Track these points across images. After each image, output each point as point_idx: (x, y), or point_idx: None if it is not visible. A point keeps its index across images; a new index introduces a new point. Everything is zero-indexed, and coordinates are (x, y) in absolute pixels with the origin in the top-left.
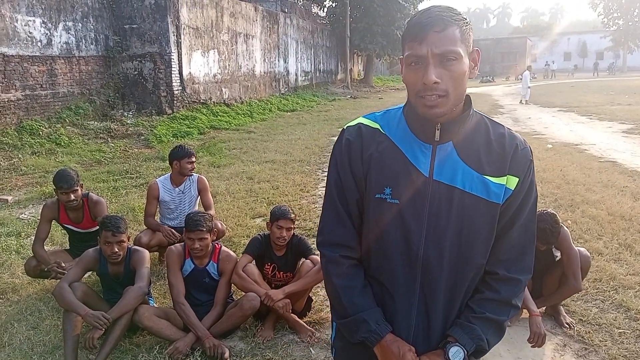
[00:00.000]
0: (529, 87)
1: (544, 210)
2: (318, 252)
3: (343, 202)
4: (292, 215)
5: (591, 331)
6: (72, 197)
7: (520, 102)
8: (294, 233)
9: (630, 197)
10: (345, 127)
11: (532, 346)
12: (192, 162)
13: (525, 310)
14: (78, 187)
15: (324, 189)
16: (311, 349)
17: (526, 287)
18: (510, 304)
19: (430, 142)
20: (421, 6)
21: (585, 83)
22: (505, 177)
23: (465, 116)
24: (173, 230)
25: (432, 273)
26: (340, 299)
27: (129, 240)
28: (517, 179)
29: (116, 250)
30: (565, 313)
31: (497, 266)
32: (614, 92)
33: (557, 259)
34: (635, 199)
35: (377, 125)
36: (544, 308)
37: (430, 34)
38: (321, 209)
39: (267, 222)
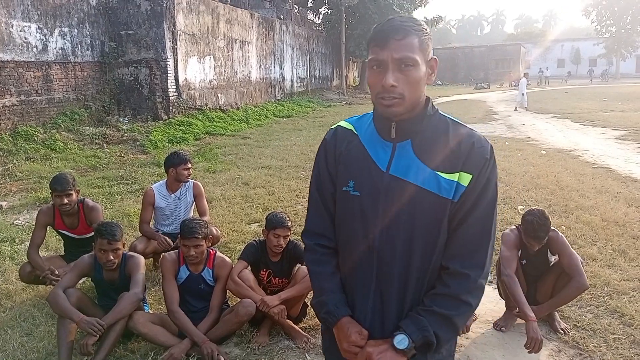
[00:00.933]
0: (523, 94)
1: (533, 207)
2: None
3: (321, 196)
4: (289, 223)
5: (586, 337)
6: (66, 200)
7: (515, 109)
8: (289, 239)
9: (624, 203)
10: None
11: (528, 352)
12: (188, 168)
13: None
14: (73, 192)
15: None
16: (307, 355)
17: (521, 293)
18: (460, 299)
19: (391, 140)
20: (415, 14)
21: (579, 90)
22: (458, 174)
23: (420, 116)
24: (167, 238)
25: (386, 262)
26: (313, 282)
27: (124, 247)
28: (471, 176)
29: (111, 258)
30: (560, 319)
31: (450, 261)
32: (607, 99)
33: (552, 264)
34: (629, 204)
35: (351, 127)
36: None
37: (391, 41)
38: None
39: (263, 229)
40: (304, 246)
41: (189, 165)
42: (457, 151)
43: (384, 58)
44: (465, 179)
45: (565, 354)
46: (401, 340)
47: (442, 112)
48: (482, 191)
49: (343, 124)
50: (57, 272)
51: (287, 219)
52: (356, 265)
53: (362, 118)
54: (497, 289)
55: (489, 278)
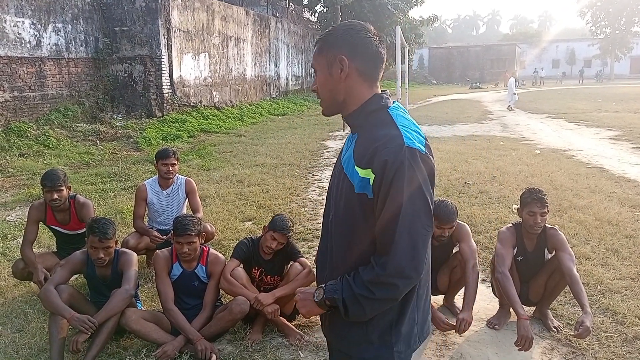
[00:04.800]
0: (514, 94)
1: None
2: (306, 256)
3: None
4: (290, 233)
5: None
6: (56, 196)
7: (508, 108)
8: None
9: (617, 202)
10: None
11: (519, 349)
12: (167, 164)
13: (513, 314)
14: (64, 187)
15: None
16: (300, 352)
17: (514, 291)
18: (363, 284)
19: (352, 133)
20: (411, 13)
21: (574, 90)
22: (366, 170)
23: (356, 114)
24: (159, 234)
25: (336, 244)
26: None
27: (116, 244)
28: (374, 176)
29: (102, 255)
30: (553, 317)
31: (374, 251)
32: (601, 100)
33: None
34: (622, 204)
35: None
36: (532, 312)
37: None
38: (312, 212)
39: (264, 226)
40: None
41: (168, 161)
42: (369, 149)
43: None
44: (371, 178)
45: (558, 351)
46: (318, 294)
47: (390, 109)
48: (386, 193)
49: None
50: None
51: (291, 227)
52: (321, 245)
53: None
54: (490, 287)
55: (482, 276)
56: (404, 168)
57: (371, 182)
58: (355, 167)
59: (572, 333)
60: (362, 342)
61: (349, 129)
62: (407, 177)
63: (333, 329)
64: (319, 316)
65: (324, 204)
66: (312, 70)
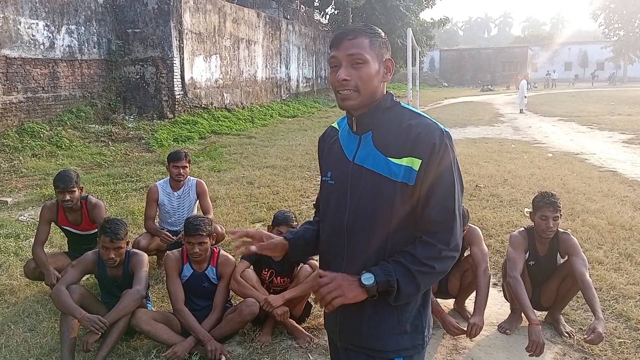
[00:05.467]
0: (525, 97)
1: None
2: (316, 258)
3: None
4: (295, 223)
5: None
6: (68, 197)
7: (520, 111)
8: None
9: (631, 206)
10: None
11: (529, 355)
12: (178, 166)
13: (525, 318)
14: (76, 188)
15: None
16: (309, 354)
17: (525, 296)
18: (421, 261)
19: (357, 133)
20: (422, 15)
21: (586, 93)
22: (407, 159)
23: (377, 110)
24: (169, 234)
25: (355, 238)
26: None
27: (127, 245)
28: (420, 160)
29: (112, 256)
30: (565, 322)
31: (420, 234)
32: (614, 103)
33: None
34: (636, 208)
35: (336, 126)
36: (544, 317)
37: (343, 41)
38: None
39: (268, 225)
40: None
41: (179, 164)
42: (406, 137)
43: (337, 55)
44: (416, 163)
45: (570, 357)
46: (368, 277)
47: (403, 105)
48: (438, 175)
49: (333, 124)
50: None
51: (294, 218)
52: (332, 242)
53: (344, 118)
54: (502, 291)
55: (494, 280)
56: (449, 150)
57: (417, 168)
58: (389, 159)
59: (583, 337)
60: (397, 332)
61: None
62: (452, 158)
63: (356, 326)
64: (323, 318)
65: (322, 211)
66: (350, 58)
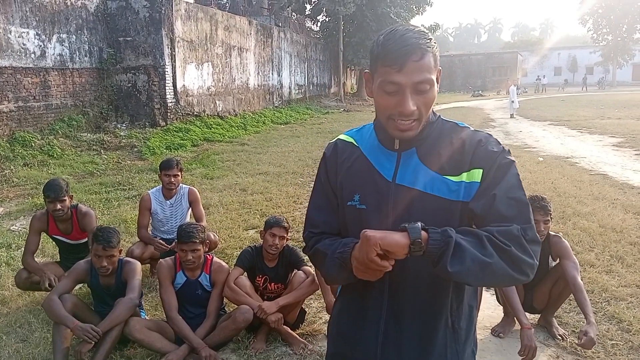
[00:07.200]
0: (512, 101)
1: None
2: (310, 264)
3: (327, 203)
4: (286, 224)
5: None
6: (59, 206)
7: (511, 116)
8: (286, 244)
9: (621, 209)
10: (327, 144)
11: (522, 359)
12: (169, 175)
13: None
14: (66, 197)
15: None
16: None
17: (517, 299)
18: (494, 235)
19: (395, 150)
20: (412, 22)
21: (576, 97)
22: (465, 174)
23: (424, 127)
24: (163, 242)
25: (400, 274)
26: (322, 255)
27: (120, 254)
28: (482, 170)
29: (105, 264)
30: (558, 325)
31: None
32: (604, 107)
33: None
34: (626, 211)
35: (351, 140)
36: (537, 320)
37: (408, 63)
38: None
39: (260, 231)
40: (303, 248)
41: (170, 172)
42: (462, 152)
43: (402, 81)
44: (477, 175)
45: (564, 359)
46: (415, 226)
47: (444, 118)
48: (498, 172)
49: (343, 137)
50: (56, 280)
51: (285, 220)
52: (366, 285)
53: (361, 129)
54: (495, 295)
55: None
56: (505, 154)
57: (478, 179)
58: (447, 177)
59: (576, 342)
60: (471, 353)
61: None
62: (509, 160)
63: (416, 346)
64: (336, 339)
65: None
66: (417, 86)
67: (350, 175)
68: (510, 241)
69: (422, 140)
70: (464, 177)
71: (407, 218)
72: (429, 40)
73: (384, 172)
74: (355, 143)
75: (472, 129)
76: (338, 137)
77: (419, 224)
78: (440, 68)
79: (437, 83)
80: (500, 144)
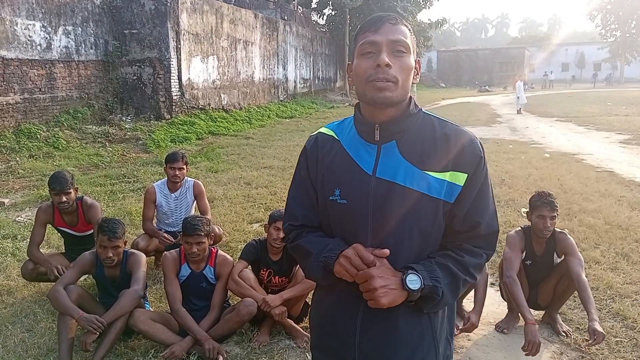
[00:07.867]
0: (517, 97)
1: None
2: None
3: (305, 195)
4: None
5: (588, 339)
6: (64, 199)
7: (518, 111)
8: None
9: (628, 206)
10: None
11: (526, 354)
12: (174, 168)
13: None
14: (71, 190)
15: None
16: (307, 354)
17: (522, 296)
18: (469, 270)
19: (375, 142)
20: (419, 16)
21: (583, 94)
22: (449, 173)
23: (404, 115)
24: (168, 235)
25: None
26: (305, 250)
27: (125, 245)
28: (466, 175)
29: (110, 255)
30: (562, 321)
31: (463, 242)
32: (611, 103)
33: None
34: (632, 208)
35: (332, 133)
36: (541, 316)
37: (385, 25)
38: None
39: (265, 225)
40: (282, 237)
41: (175, 165)
42: (446, 148)
43: (378, 39)
44: (461, 178)
45: (567, 356)
46: (414, 281)
47: (426, 111)
48: (481, 185)
49: (324, 130)
50: (63, 269)
51: None
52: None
53: (342, 123)
54: (499, 291)
55: (491, 280)
56: (486, 161)
57: (461, 183)
58: (427, 172)
59: (588, 342)
60: (446, 339)
61: None
62: (487, 168)
63: (387, 352)
64: (315, 331)
65: (338, 234)
66: (392, 45)
67: (331, 170)
68: (478, 272)
69: (403, 132)
70: (446, 176)
71: (387, 213)
72: (405, 20)
73: (364, 165)
74: (335, 136)
75: (455, 124)
76: (319, 131)
77: (419, 283)
78: (419, 60)
79: (417, 72)
80: (482, 146)
